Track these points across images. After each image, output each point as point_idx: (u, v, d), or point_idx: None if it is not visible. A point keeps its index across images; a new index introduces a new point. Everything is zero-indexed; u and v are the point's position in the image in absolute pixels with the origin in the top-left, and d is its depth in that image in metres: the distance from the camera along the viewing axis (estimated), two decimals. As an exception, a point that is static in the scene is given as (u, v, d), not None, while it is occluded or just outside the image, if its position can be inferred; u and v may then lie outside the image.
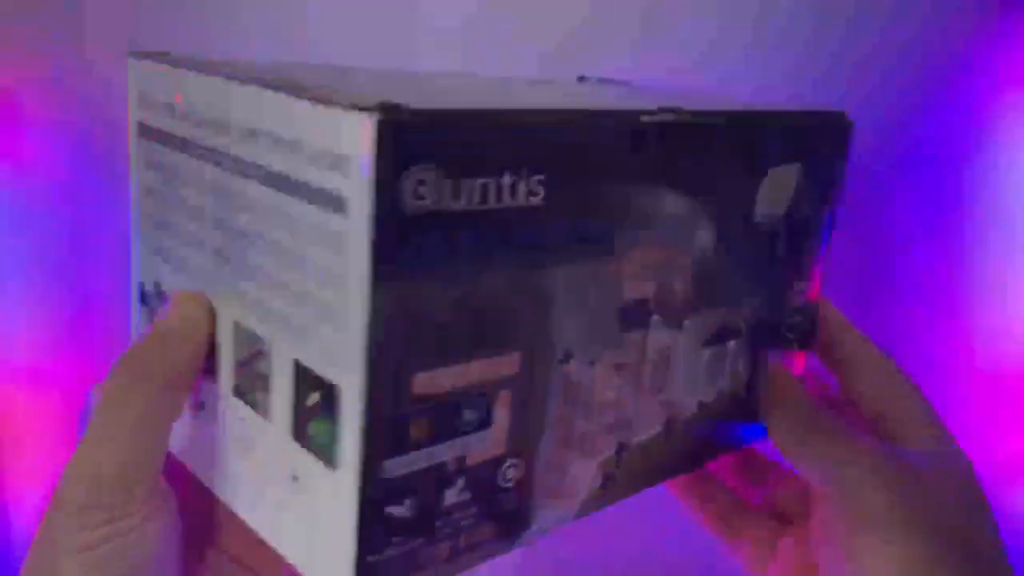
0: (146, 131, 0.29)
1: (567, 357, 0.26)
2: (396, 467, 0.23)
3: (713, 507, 0.39)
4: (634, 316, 0.28)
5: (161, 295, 0.30)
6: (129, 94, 0.30)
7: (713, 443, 0.33)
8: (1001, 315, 0.41)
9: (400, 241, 0.21)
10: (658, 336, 0.29)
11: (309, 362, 0.23)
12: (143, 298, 0.31)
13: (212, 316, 0.28)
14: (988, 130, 0.40)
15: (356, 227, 0.21)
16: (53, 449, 0.43)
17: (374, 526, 0.23)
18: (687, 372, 0.31)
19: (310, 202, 0.22)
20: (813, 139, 0.32)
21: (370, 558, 0.23)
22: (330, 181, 0.21)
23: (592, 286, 0.26)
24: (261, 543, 0.35)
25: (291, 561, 0.25)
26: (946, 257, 0.41)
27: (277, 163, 0.23)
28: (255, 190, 0.24)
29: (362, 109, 0.20)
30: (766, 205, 0.31)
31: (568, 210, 0.24)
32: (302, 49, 0.38)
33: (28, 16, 0.40)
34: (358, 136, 0.20)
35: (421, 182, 0.21)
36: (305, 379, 0.24)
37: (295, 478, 0.25)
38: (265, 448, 0.26)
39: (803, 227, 0.33)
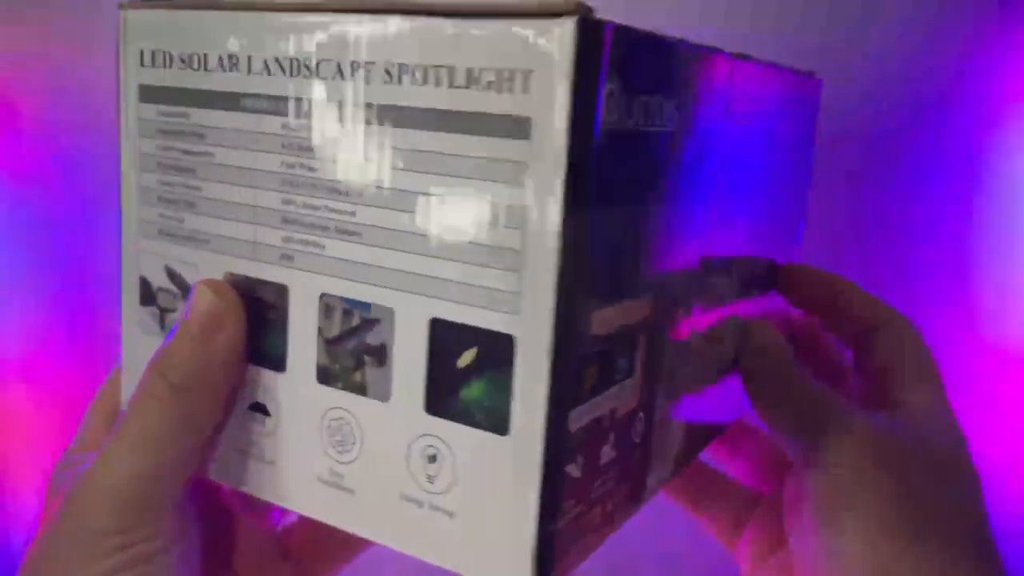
0: (154, 93, 0.25)
1: (676, 302, 0.25)
2: (577, 418, 0.21)
3: (681, 479, 0.36)
4: (713, 259, 0.27)
5: (183, 285, 0.25)
6: (123, 53, 0.25)
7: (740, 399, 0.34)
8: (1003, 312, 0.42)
9: (594, 160, 0.19)
10: (721, 282, 0.29)
11: (459, 317, 0.21)
12: (146, 297, 0.26)
13: (243, 303, 0.24)
14: (991, 130, 0.41)
15: (545, 149, 0.19)
16: (52, 450, 0.40)
17: (553, 489, 0.20)
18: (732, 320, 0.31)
19: (468, 133, 0.20)
20: (795, 92, 0.34)
21: (551, 527, 0.21)
22: (502, 104, 0.19)
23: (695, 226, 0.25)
24: (273, 565, 0.30)
25: (440, 563, 0.22)
26: (948, 257, 0.42)
27: (410, 97, 0.20)
28: (372, 135, 0.21)
29: (558, 14, 0.18)
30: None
31: (684, 140, 0.24)
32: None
33: (28, 16, 0.38)
34: (556, 42, 0.18)
35: (611, 95, 0.19)
36: (451, 338, 0.21)
37: (432, 459, 0.22)
38: (380, 436, 0.22)
39: (788, 178, 0.35)
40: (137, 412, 0.24)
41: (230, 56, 0.23)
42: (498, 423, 0.20)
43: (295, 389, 0.24)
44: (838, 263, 0.36)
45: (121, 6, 0.25)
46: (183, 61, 0.24)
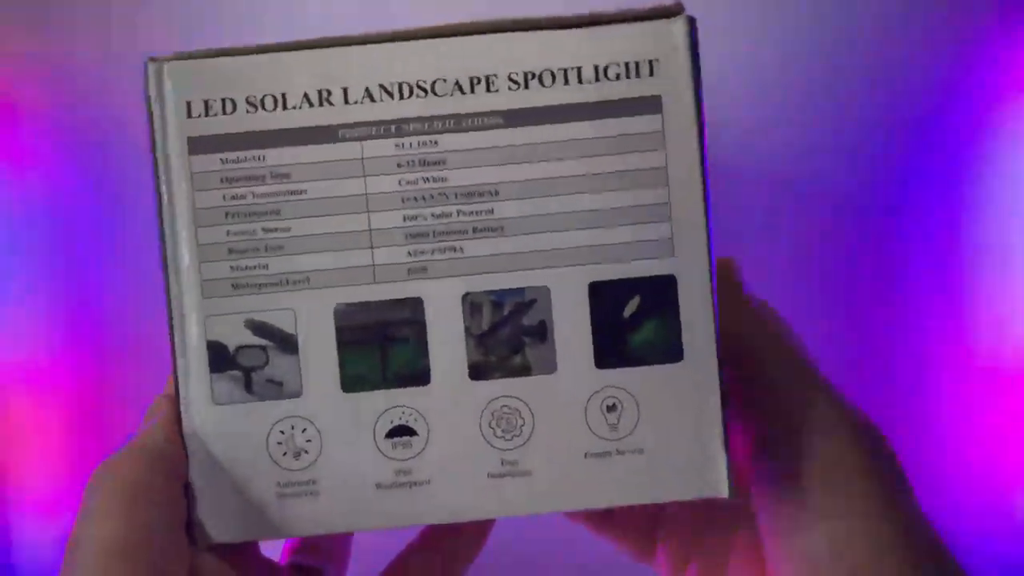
0: (210, 143, 0.24)
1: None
2: (718, 336, 0.25)
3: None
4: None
5: (279, 335, 0.24)
6: (161, 107, 0.24)
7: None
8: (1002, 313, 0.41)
9: (703, 120, 0.25)
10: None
11: (618, 274, 0.24)
12: (220, 362, 0.24)
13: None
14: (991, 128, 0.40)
15: (679, 117, 0.24)
16: (51, 451, 0.41)
17: (724, 395, 0.24)
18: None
19: (604, 117, 0.24)
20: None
21: (727, 427, 0.24)
22: (632, 89, 0.24)
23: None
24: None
25: (639, 501, 0.24)
26: (948, 256, 0.41)
27: (540, 98, 0.24)
28: (506, 136, 0.24)
29: (672, 15, 0.24)
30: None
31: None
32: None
33: (27, 16, 0.39)
34: (678, 35, 0.24)
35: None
36: (612, 295, 0.24)
37: (611, 408, 0.24)
38: (553, 407, 0.24)
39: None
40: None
41: (319, 91, 0.24)
42: (672, 353, 0.24)
43: (446, 396, 0.24)
44: (828, 264, 0.39)
45: (154, 60, 0.24)
46: (251, 105, 0.24)
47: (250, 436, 0.24)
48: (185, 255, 0.24)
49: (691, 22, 0.24)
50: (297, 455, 0.24)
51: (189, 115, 0.24)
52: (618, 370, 0.24)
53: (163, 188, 0.24)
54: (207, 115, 0.24)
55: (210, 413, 0.24)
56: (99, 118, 0.39)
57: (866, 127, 0.39)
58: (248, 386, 0.24)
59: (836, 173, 0.40)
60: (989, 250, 0.40)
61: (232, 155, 0.24)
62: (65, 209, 0.39)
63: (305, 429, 0.24)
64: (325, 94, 0.24)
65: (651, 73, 0.24)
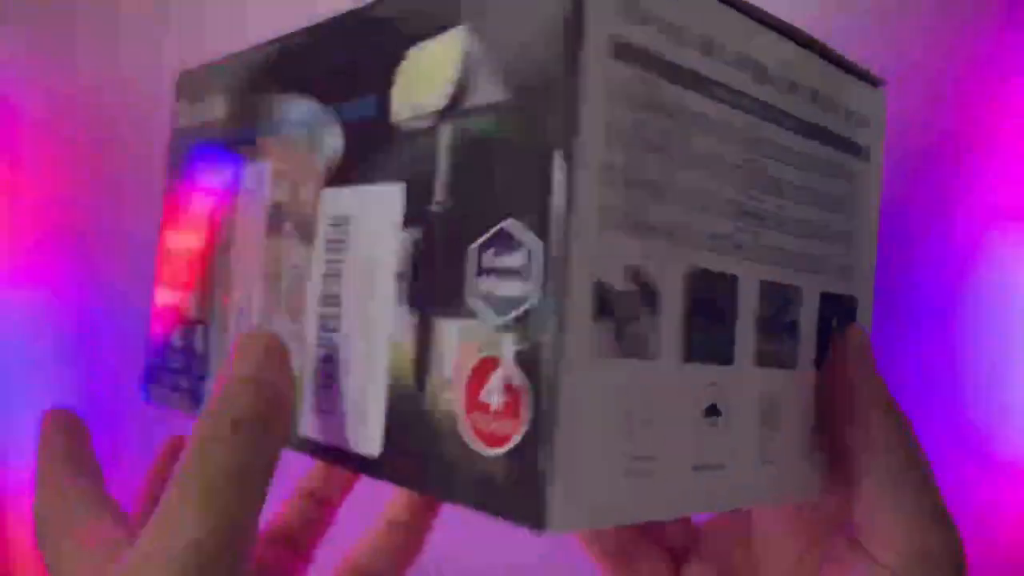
0: (633, 54, 0.20)
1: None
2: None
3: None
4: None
5: (647, 287, 0.20)
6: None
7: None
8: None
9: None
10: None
11: (837, 289, 0.27)
12: (603, 308, 0.19)
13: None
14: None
15: (872, 168, 0.28)
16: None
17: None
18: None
19: (835, 148, 0.27)
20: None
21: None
22: (854, 133, 0.28)
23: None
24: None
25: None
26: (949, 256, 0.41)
27: (810, 115, 0.26)
28: (787, 138, 0.25)
29: (879, 84, 0.28)
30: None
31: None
32: None
33: (28, 18, 0.39)
34: (880, 105, 0.28)
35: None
36: (828, 306, 0.27)
37: (817, 406, 0.27)
38: (795, 402, 0.25)
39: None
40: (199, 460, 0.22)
41: (711, 38, 0.22)
42: (847, 363, 0.28)
43: (740, 379, 0.24)
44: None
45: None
46: (667, 26, 0.21)
47: (615, 399, 0.20)
48: (584, 176, 0.19)
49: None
50: (641, 427, 0.21)
51: (624, 11, 0.20)
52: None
53: (568, 93, 0.19)
54: (643, 23, 0.20)
55: (590, 367, 0.19)
56: (99, 118, 0.39)
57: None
58: (620, 338, 0.20)
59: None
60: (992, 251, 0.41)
61: (645, 76, 0.21)
62: (69, 208, 0.39)
63: (652, 398, 0.21)
64: (708, 44, 0.22)
65: (864, 125, 0.28)
